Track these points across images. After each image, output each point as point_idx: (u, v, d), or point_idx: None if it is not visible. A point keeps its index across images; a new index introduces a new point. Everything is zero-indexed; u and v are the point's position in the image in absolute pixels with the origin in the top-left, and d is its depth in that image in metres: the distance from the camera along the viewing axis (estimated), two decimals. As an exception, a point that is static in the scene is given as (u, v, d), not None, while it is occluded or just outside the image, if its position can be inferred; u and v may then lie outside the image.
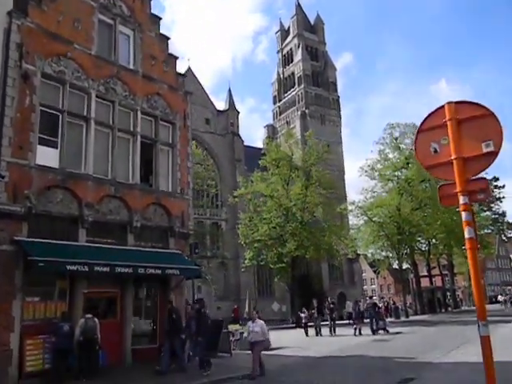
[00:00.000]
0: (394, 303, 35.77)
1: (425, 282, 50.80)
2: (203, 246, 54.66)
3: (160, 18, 15.35)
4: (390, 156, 41.91)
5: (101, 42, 13.51)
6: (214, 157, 60.45)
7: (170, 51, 15.46)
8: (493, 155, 3.84)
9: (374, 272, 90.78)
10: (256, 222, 32.15)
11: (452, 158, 3.92)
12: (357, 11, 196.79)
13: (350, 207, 39.34)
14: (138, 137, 13.87)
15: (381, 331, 21.89)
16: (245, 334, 16.63)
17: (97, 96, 13.05)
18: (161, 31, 15.29)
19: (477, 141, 3.86)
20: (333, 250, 33.56)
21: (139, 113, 13.94)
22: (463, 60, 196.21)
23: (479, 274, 3.87)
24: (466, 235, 3.80)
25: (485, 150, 3.83)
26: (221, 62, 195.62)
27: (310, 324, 23.60)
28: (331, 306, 23.67)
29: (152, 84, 14.55)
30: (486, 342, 3.53)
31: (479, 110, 3.93)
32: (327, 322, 23.35)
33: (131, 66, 14.15)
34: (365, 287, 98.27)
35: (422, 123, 4.24)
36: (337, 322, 24.40)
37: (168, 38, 15.36)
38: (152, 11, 15.16)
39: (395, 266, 47.74)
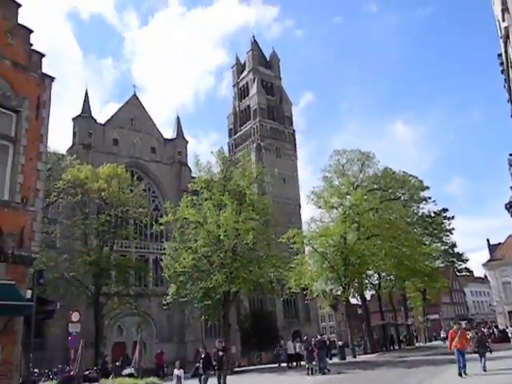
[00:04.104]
0: (333, 341, 32.17)
1: (377, 318, 48.02)
2: (145, 282, 49.43)
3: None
4: (336, 183, 39.99)
5: None
6: (159, 186, 57.36)
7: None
8: None
9: (333, 308, 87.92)
10: (181, 252, 28.18)
11: None
12: (318, 52, 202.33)
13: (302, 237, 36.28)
14: (-47, 122, 10.17)
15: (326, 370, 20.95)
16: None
17: None
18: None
19: None
20: (269, 284, 29.74)
21: (-43, 90, 10.32)
22: (418, 103, 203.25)
23: None
24: None
25: None
26: (183, 95, 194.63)
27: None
28: (220, 353, 15.17)
29: (-15, 57, 11.01)
30: None
31: None
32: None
33: (-50, 30, 10.62)
34: (323, 324, 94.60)
35: None
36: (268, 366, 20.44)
37: (19, 6, 11.98)
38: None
39: (354, 301, 44.88)
